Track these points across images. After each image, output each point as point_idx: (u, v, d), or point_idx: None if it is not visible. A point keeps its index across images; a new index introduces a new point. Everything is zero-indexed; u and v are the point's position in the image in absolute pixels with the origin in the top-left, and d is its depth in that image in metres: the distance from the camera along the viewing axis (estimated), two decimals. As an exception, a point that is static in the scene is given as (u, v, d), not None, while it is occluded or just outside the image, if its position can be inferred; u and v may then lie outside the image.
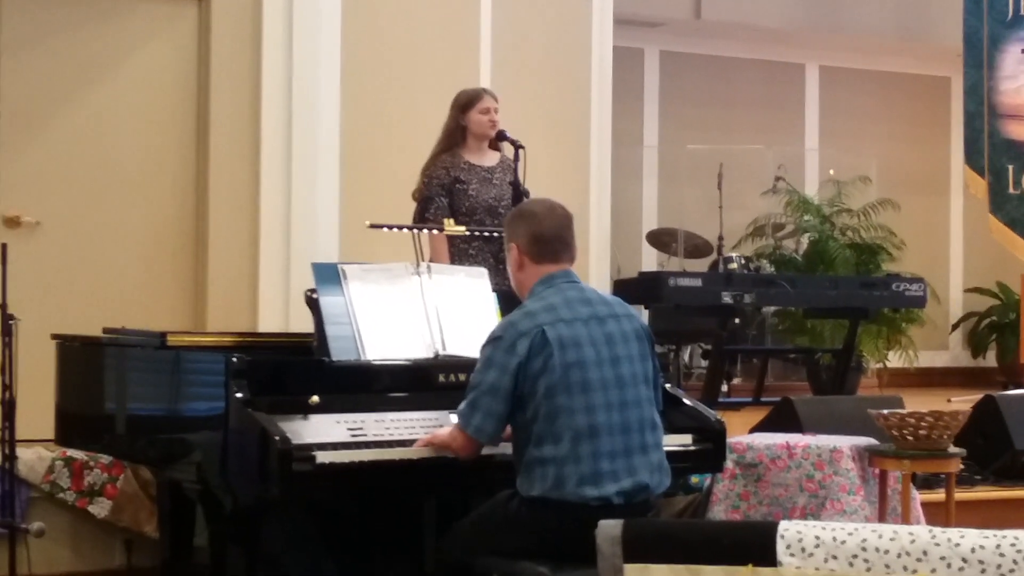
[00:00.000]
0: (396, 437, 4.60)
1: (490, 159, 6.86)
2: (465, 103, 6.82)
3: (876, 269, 10.95)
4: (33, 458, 6.00)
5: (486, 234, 6.62)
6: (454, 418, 4.65)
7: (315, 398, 4.55)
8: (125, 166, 7.19)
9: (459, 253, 6.67)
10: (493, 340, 4.40)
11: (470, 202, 6.71)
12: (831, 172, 12.51)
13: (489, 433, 4.38)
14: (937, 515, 5.90)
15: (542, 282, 4.51)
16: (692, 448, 5.00)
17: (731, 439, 5.72)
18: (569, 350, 4.34)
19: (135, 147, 7.21)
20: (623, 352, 4.43)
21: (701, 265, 11.34)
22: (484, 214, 6.71)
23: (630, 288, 8.48)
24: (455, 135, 6.82)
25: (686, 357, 11.15)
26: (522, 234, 4.54)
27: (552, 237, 4.52)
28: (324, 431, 4.51)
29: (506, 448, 4.49)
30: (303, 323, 5.28)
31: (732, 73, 13.06)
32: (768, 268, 10.96)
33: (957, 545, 3.56)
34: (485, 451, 4.49)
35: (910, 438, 5.64)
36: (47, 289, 6.90)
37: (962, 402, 8.59)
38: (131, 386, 5.20)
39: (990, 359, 13.40)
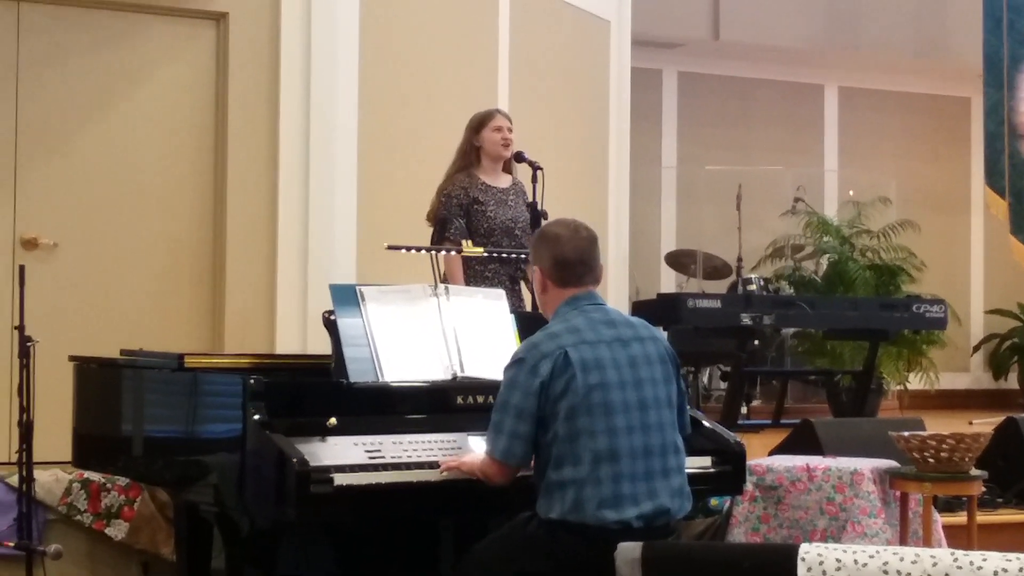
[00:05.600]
0: (414, 459, 4.58)
1: (504, 181, 6.87)
2: (478, 123, 6.84)
3: (896, 290, 10.92)
4: (50, 480, 5.99)
5: (503, 255, 6.61)
6: (472, 440, 4.64)
7: (333, 420, 4.53)
8: (143, 187, 7.20)
9: (475, 275, 6.66)
10: (516, 362, 4.38)
11: (488, 223, 6.70)
12: (850, 193, 12.50)
13: (518, 456, 4.35)
14: (959, 538, 5.87)
15: (567, 304, 4.48)
16: (711, 470, 4.97)
17: (751, 461, 5.70)
18: (591, 372, 4.32)
19: (153, 168, 7.22)
20: (646, 375, 4.40)
21: (720, 287, 11.32)
22: (502, 235, 6.72)
23: (649, 310, 8.47)
24: (469, 155, 6.83)
25: (705, 379, 11.13)
26: (545, 258, 4.52)
27: (575, 260, 4.50)
28: (342, 453, 4.49)
29: (526, 470, 4.47)
30: (321, 345, 5.27)
31: (750, 93, 13.06)
32: (787, 289, 10.95)
33: (979, 568, 3.53)
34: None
35: (931, 460, 5.62)
36: (65, 311, 6.91)
37: (983, 424, 8.55)
38: (148, 408, 5.19)
39: (1011, 381, 13.35)
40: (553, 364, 4.30)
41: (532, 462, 4.41)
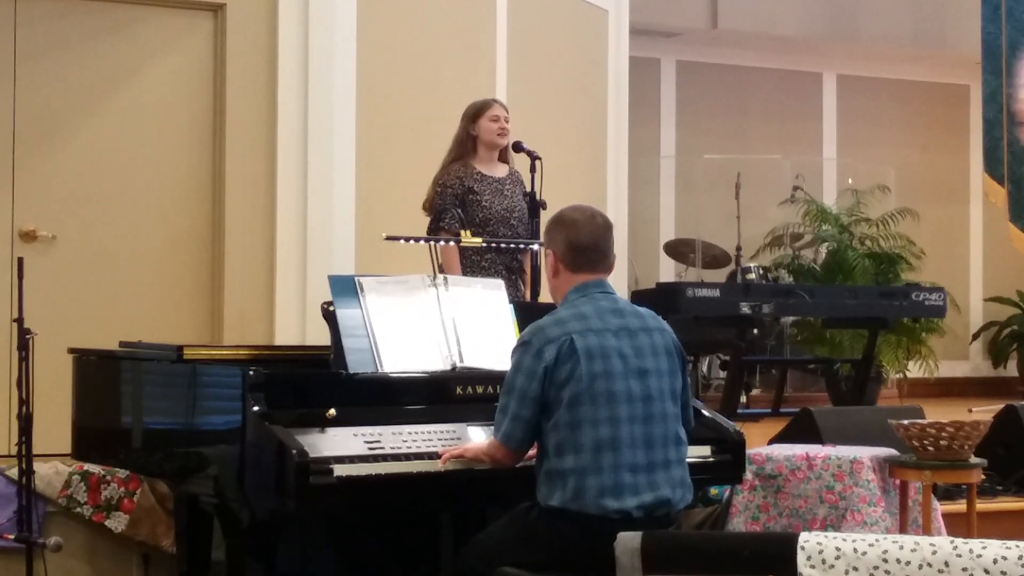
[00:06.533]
0: (414, 450, 4.59)
1: (500, 170, 6.86)
2: (474, 113, 6.84)
3: (895, 279, 10.92)
4: (50, 473, 5.99)
5: (502, 245, 6.61)
6: (471, 430, 4.64)
7: (332, 411, 4.53)
8: (141, 179, 7.19)
9: (471, 265, 6.66)
10: (522, 344, 4.37)
11: (484, 212, 6.70)
12: (849, 181, 12.49)
13: (518, 438, 4.35)
14: (958, 526, 5.86)
15: (576, 290, 4.47)
16: (711, 460, 4.98)
17: (750, 450, 5.70)
18: (596, 360, 4.31)
19: (151, 160, 7.21)
20: (651, 366, 4.40)
21: (719, 276, 11.33)
22: (498, 224, 6.71)
23: (648, 299, 8.45)
24: (465, 145, 6.82)
25: (704, 368, 11.13)
26: (560, 241, 4.50)
27: (590, 246, 4.48)
28: (341, 444, 4.49)
29: (526, 461, 4.47)
30: (320, 336, 5.27)
31: (749, 82, 13.05)
32: (786, 278, 10.95)
33: (979, 556, 3.53)
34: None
35: (931, 448, 5.62)
36: (63, 303, 6.90)
37: (983, 412, 8.55)
38: (148, 400, 5.20)
39: (1011, 369, 13.35)
40: (558, 350, 4.30)
41: (535, 447, 4.42)
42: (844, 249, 11.12)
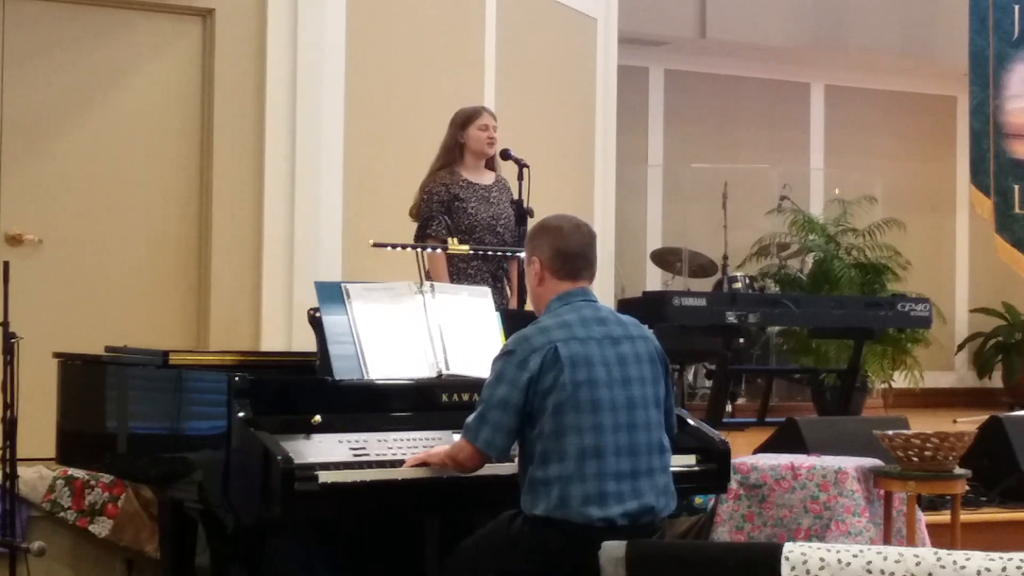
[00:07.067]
0: (399, 457, 4.58)
1: (487, 178, 6.87)
2: (464, 120, 6.83)
3: (881, 289, 10.94)
4: (34, 477, 5.98)
5: (489, 253, 6.61)
6: (456, 438, 4.64)
7: (317, 417, 4.53)
8: (128, 183, 7.18)
9: (458, 272, 6.66)
10: (505, 354, 4.37)
11: (469, 220, 6.70)
12: (836, 191, 12.51)
13: (499, 447, 4.35)
14: (942, 537, 5.87)
15: (559, 299, 4.48)
16: (696, 469, 4.98)
17: (735, 460, 5.70)
18: (580, 368, 4.32)
19: (138, 164, 7.20)
20: (635, 374, 4.40)
21: (705, 284, 11.34)
22: (484, 232, 6.71)
23: (634, 307, 8.46)
24: (453, 152, 6.82)
25: (690, 377, 11.14)
26: (546, 248, 4.51)
27: (576, 254, 4.50)
28: (327, 451, 4.49)
29: (511, 468, 4.47)
30: (306, 342, 5.27)
31: (737, 92, 13.07)
32: (773, 288, 10.97)
33: (963, 567, 3.54)
34: (490, 470, 4.47)
35: (915, 459, 5.63)
36: (49, 307, 6.88)
37: (968, 423, 8.56)
38: (133, 405, 5.18)
39: (996, 380, 13.38)
40: (543, 359, 4.30)
41: (516, 457, 4.42)
42: (830, 259, 11.14)
